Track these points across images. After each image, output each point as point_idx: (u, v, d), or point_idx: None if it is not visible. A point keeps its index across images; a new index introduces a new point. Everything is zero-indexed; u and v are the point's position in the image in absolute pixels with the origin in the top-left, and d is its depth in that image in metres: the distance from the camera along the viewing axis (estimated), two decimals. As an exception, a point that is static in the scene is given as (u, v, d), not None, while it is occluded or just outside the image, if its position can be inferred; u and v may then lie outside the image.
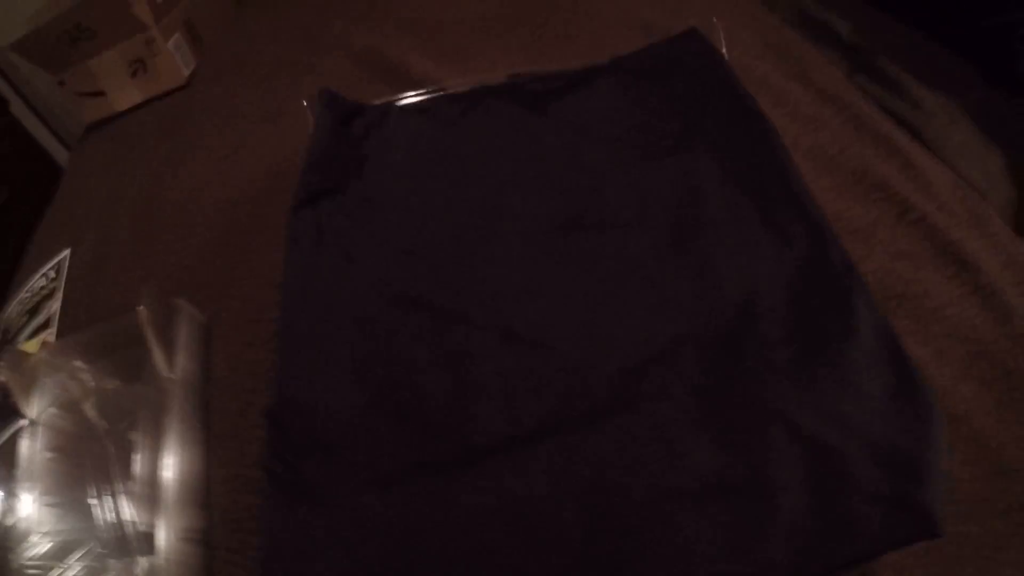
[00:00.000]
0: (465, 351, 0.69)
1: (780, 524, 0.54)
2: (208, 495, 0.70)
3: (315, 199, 0.84)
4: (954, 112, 1.02)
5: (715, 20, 0.95)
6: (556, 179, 0.81)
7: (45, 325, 0.99)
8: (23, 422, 0.78)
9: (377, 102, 1.00)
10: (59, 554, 0.67)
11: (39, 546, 0.68)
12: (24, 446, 0.76)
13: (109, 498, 0.66)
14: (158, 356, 0.74)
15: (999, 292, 0.77)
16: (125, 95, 1.38)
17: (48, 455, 0.75)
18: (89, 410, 0.75)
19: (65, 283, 1.04)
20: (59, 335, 0.96)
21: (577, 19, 1.20)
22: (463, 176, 0.85)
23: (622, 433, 0.60)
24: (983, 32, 1.08)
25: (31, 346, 0.96)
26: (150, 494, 0.65)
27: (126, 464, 0.68)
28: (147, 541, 0.63)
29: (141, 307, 0.77)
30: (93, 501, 0.67)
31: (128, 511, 0.64)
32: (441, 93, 0.99)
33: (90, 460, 0.70)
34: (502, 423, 0.63)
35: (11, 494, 0.73)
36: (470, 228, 0.79)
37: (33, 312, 1.03)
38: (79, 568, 0.66)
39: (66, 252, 1.10)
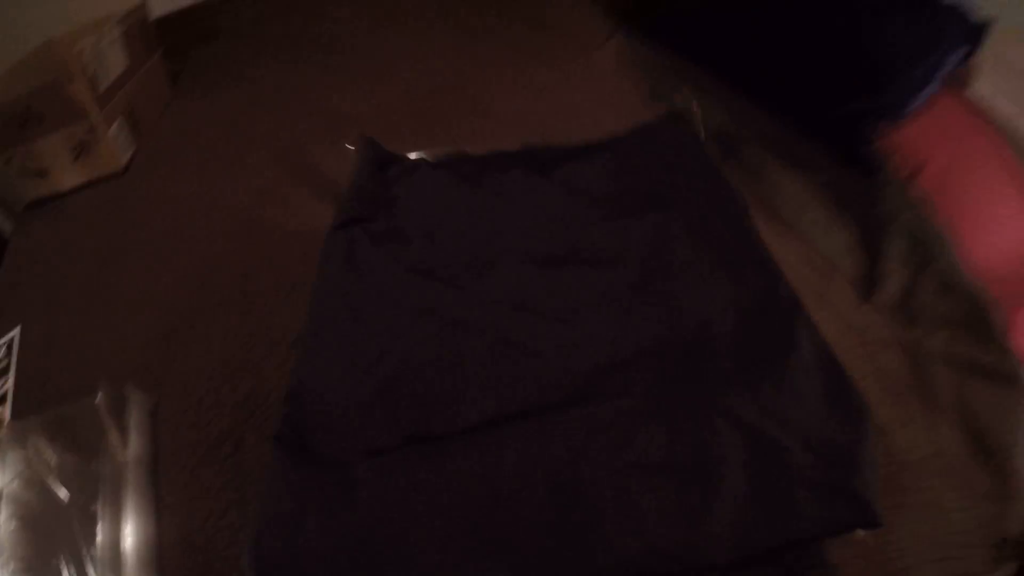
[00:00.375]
0: (462, 352, 0.84)
1: (724, 500, 0.68)
2: (160, 558, 0.83)
3: (348, 225, 1.00)
4: (810, 192, 1.19)
5: (694, 106, 1.11)
6: (551, 226, 0.99)
7: (0, 401, 1.09)
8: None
9: (411, 156, 1.19)
10: (33, 615, 0.78)
11: (13, 609, 0.80)
12: (-9, 517, 0.87)
13: (76, 564, 0.79)
14: (114, 437, 0.87)
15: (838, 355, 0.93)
16: (67, 176, 1.50)
17: (14, 525, 0.86)
18: (53, 484, 0.87)
19: (16, 361, 1.15)
20: (13, 412, 1.06)
21: (477, 118, 1.38)
22: (475, 219, 1.02)
23: (587, 420, 0.75)
24: (835, 120, 1.25)
25: (-13, 422, 1.06)
26: (113, 559, 0.78)
27: (90, 533, 0.80)
28: (113, 600, 0.76)
29: (100, 395, 0.89)
30: (61, 567, 0.79)
31: (94, 574, 0.77)
32: (464, 155, 1.17)
33: (56, 529, 0.82)
34: (486, 408, 0.79)
35: (-19, 562, 0.84)
36: (477, 258, 0.95)
37: (-13, 388, 1.13)
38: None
39: (16, 330, 1.20)
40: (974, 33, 1.34)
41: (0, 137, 1.46)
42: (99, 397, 0.89)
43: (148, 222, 1.34)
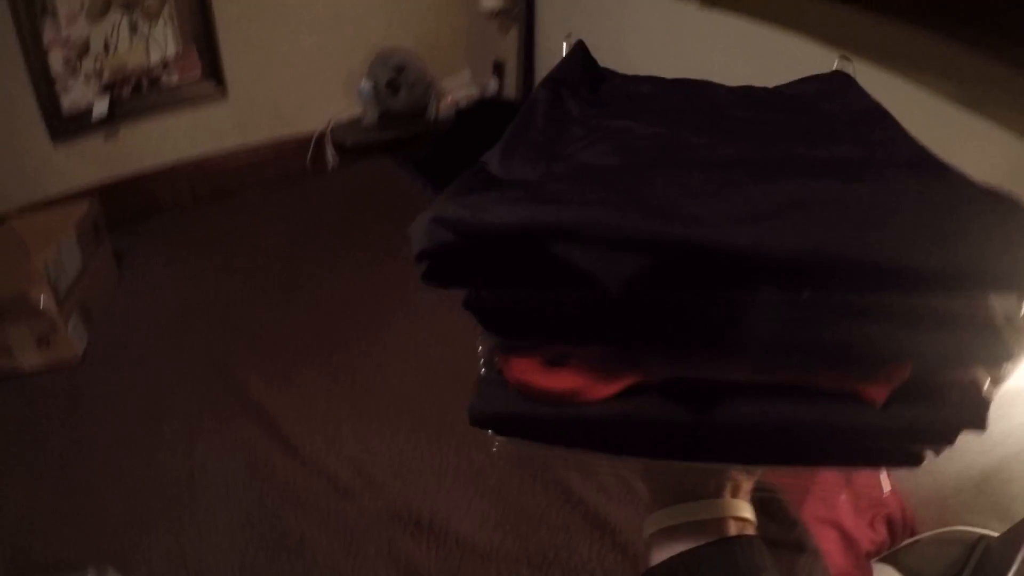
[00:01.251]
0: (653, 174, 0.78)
1: (895, 223, 0.62)
2: None
3: (556, 84, 1.05)
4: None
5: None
6: (729, 109, 1.06)
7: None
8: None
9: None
10: None
11: None
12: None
13: None
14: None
15: (632, 544, 1.38)
16: (30, 359, 1.88)
17: None
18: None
19: None
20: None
21: (376, 350, 1.89)
22: (663, 101, 1.11)
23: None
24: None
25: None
26: None
27: None
28: None
29: (89, 572, 1.28)
30: None
31: None
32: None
33: None
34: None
35: None
36: (667, 118, 1.01)
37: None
38: None
39: (-8, 504, 1.55)
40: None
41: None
42: (89, 572, 1.28)
43: (102, 419, 1.74)
